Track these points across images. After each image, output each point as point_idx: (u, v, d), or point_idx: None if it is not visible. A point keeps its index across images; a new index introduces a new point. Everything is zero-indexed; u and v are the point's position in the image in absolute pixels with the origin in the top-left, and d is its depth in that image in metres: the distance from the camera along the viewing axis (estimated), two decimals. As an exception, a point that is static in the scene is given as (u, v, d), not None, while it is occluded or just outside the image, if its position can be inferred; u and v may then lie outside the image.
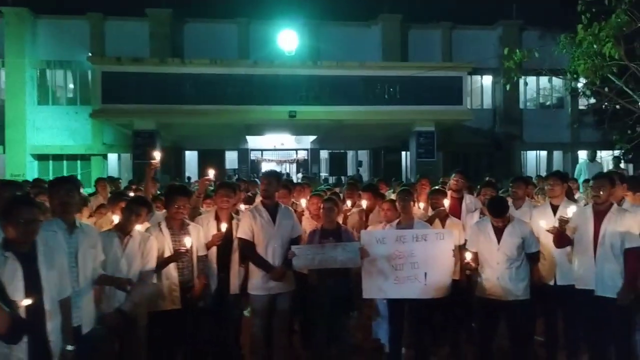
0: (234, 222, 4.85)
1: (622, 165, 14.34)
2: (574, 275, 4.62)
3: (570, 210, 4.51)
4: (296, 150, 25.78)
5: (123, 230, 4.17)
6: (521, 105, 21.85)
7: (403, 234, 4.82)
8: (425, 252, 4.77)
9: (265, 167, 30.06)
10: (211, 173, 5.11)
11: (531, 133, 21.68)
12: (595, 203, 4.49)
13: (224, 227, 4.63)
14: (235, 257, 4.79)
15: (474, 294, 5.44)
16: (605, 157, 20.03)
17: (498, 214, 4.57)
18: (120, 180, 12.22)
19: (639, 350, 4.56)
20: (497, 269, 4.58)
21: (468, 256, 4.64)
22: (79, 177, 13.01)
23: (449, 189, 6.02)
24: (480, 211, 5.57)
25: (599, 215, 4.45)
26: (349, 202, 6.13)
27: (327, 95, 16.38)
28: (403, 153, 21.40)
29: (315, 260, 4.72)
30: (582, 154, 22.46)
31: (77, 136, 18.61)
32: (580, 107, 21.29)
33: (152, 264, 4.25)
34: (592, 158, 12.21)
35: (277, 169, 29.41)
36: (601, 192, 4.42)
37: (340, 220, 5.50)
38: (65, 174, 17.82)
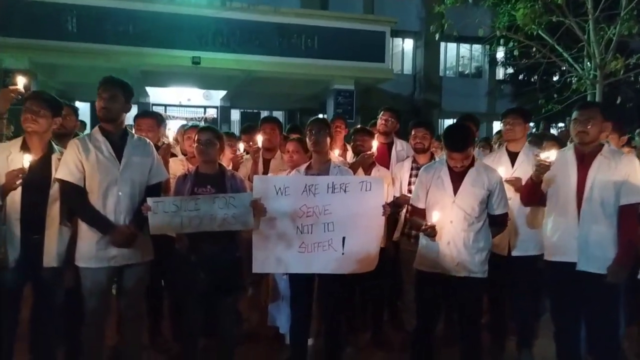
0: (55, 156, 3.11)
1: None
2: (547, 243, 3.39)
3: (552, 154, 3.20)
4: (204, 107, 23.70)
5: None
6: (441, 73, 21.59)
7: (314, 182, 3.34)
8: (345, 209, 3.33)
9: (169, 124, 27.64)
10: (20, 81, 3.29)
11: (450, 101, 21.65)
12: (580, 143, 3.24)
13: (27, 160, 2.87)
14: (54, 210, 3.07)
15: (401, 266, 4.17)
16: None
17: (458, 145, 3.14)
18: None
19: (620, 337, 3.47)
20: (449, 231, 3.24)
21: (435, 217, 3.19)
22: None
23: (376, 131, 4.62)
24: (413, 159, 4.23)
25: (585, 160, 3.22)
26: (241, 147, 4.54)
27: (236, 42, 14.42)
28: (320, 115, 20.13)
29: (184, 220, 3.15)
30: (496, 125, 22.76)
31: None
32: (498, 78, 21.55)
33: None
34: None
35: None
36: (589, 127, 3.17)
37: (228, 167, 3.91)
38: None
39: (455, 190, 3.25)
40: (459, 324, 3.49)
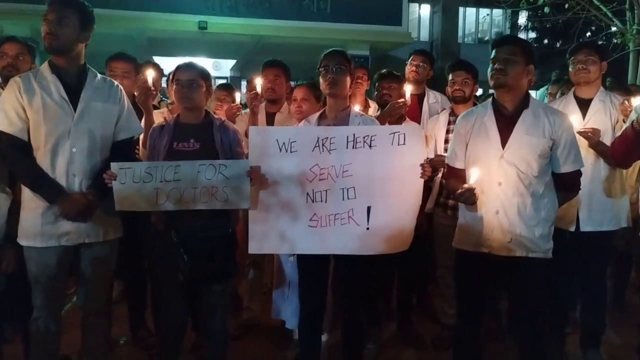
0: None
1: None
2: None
3: None
4: (214, 78, 23.08)
5: None
6: (459, 40, 20.82)
7: (329, 134, 2.53)
8: (370, 169, 2.52)
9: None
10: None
11: None
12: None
13: None
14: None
15: (434, 244, 3.39)
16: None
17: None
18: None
19: None
20: (499, 196, 2.42)
21: (473, 175, 2.35)
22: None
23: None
24: (451, 111, 3.42)
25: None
26: (238, 97, 3.72)
27: (244, 6, 13.70)
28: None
29: (160, 193, 2.40)
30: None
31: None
32: None
33: None
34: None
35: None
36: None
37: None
38: None
39: (504, 142, 2.41)
40: (514, 318, 2.71)
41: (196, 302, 2.70)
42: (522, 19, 17.52)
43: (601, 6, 8.63)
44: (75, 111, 2.39)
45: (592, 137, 2.85)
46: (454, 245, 2.63)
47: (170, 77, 3.02)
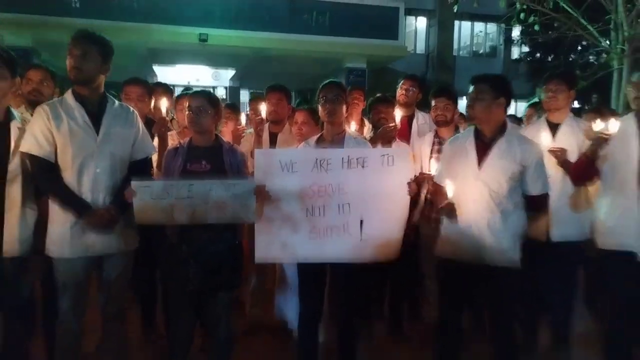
0: (14, 124, 2.64)
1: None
2: (601, 228, 2.87)
3: (612, 124, 2.67)
4: (213, 87, 23.30)
5: None
6: (454, 52, 21.00)
7: (326, 156, 2.83)
8: (363, 186, 2.83)
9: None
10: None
11: (464, 82, 20.70)
12: (644, 109, 2.70)
13: None
14: (15, 189, 2.59)
15: (422, 252, 3.67)
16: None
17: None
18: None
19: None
20: (472, 211, 2.73)
21: (449, 190, 2.68)
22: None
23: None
24: (435, 133, 3.72)
25: (649, 130, 2.68)
26: (242, 119, 4.01)
27: (245, 19, 13.95)
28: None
29: (176, 209, 2.66)
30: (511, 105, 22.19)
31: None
32: (514, 57, 20.90)
33: None
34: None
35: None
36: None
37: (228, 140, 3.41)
38: None
39: (481, 164, 2.73)
40: (488, 320, 3.00)
41: (204, 310, 2.96)
42: (516, 32, 17.89)
43: (588, 26, 8.99)
44: (98, 135, 2.68)
45: (560, 155, 3.15)
46: (436, 254, 2.93)
47: (175, 100, 3.35)
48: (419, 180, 3.35)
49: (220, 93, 23.87)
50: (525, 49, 19.15)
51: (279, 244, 2.87)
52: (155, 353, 3.49)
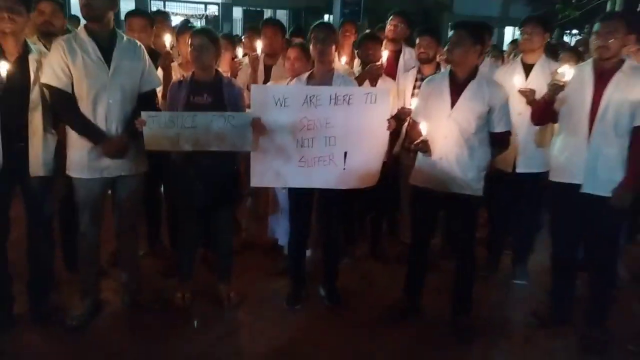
0: (32, 56, 2.89)
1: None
2: (553, 163, 3.25)
3: (568, 72, 2.99)
4: (205, 4, 22.71)
5: None
6: None
7: (315, 92, 3.14)
8: (348, 122, 3.16)
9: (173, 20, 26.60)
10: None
11: (462, 4, 20.55)
12: (600, 58, 2.99)
13: (3, 69, 2.67)
14: (37, 116, 2.90)
15: (400, 180, 4.08)
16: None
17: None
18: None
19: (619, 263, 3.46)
20: (443, 146, 3.10)
21: (424, 129, 3.02)
22: None
23: (383, 37, 4.34)
24: (418, 69, 4.00)
25: (603, 78, 2.98)
26: (240, 51, 4.24)
27: None
28: (326, 16, 19.20)
29: (181, 137, 3.00)
30: (509, 31, 21.76)
31: None
32: None
33: None
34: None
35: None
36: (611, 41, 2.90)
37: (227, 73, 3.70)
38: None
39: (453, 104, 3.06)
40: (452, 240, 3.45)
41: (208, 223, 3.40)
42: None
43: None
44: (109, 69, 2.95)
45: (529, 95, 3.46)
46: (410, 182, 3.33)
47: (177, 32, 3.60)
48: (401, 115, 3.70)
49: (213, 9, 23.25)
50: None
51: (272, 171, 3.25)
52: (161, 263, 3.97)
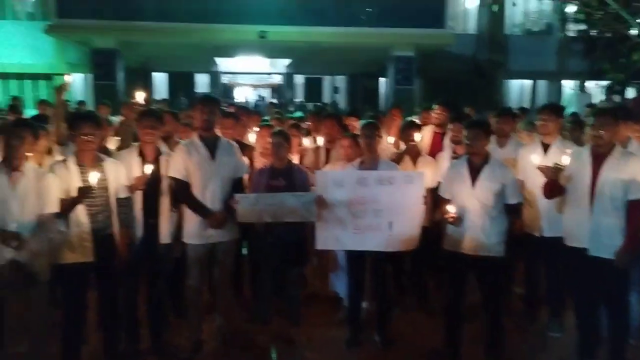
0: (162, 158, 3.99)
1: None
2: (564, 230, 3.93)
3: (565, 159, 3.78)
4: (270, 74, 24.53)
5: (10, 164, 3.36)
6: (506, 31, 20.68)
7: (365, 176, 4.06)
8: (391, 198, 4.04)
9: (238, 91, 28.82)
10: (140, 96, 4.17)
11: (516, 61, 20.47)
12: (596, 145, 3.74)
13: (148, 169, 3.79)
14: (165, 200, 3.98)
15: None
16: (594, 88, 19.25)
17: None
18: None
19: (632, 313, 4.02)
20: (468, 218, 3.86)
21: (451, 209, 3.84)
22: (43, 97, 11.69)
23: (430, 123, 5.28)
24: (453, 150, 4.84)
25: (599, 160, 3.71)
26: (305, 141, 5.29)
27: (300, 16, 15.04)
28: (382, 80, 20.27)
29: (263, 211, 3.97)
30: (568, 84, 21.54)
31: (38, 54, 16.75)
32: (569, 34, 20.23)
33: (52, 206, 3.45)
34: (581, 88, 11.45)
35: (251, 93, 28.26)
36: (603, 132, 3.66)
37: (296, 160, 4.81)
38: (27, 93, 16.68)
39: (473, 183, 3.86)
40: (481, 297, 4.15)
41: (281, 279, 4.31)
42: (572, 8, 17.13)
43: (630, 19, 9.23)
44: (214, 163, 3.98)
45: (547, 172, 4.04)
46: (444, 247, 4.08)
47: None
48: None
49: (277, 79, 24.97)
50: (582, 26, 18.63)
51: (333, 237, 4.14)
52: (241, 308, 4.85)
